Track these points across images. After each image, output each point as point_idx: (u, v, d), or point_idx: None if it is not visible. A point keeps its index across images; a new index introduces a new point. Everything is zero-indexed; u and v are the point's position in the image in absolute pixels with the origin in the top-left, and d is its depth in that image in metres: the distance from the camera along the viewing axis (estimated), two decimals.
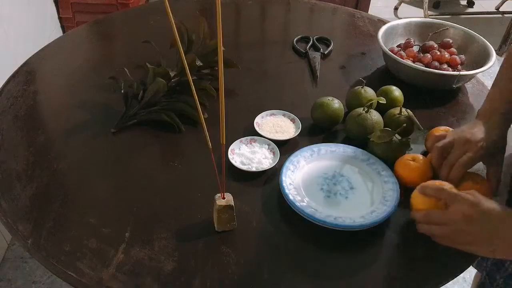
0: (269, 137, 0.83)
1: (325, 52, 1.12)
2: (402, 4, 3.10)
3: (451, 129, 0.81)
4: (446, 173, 0.70)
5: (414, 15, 2.96)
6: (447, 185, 0.66)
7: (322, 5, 1.36)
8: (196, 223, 0.70)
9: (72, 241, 0.66)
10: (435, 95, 0.97)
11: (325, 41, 1.18)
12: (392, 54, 0.99)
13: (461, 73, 0.94)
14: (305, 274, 0.64)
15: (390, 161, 0.78)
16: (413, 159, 0.76)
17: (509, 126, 0.73)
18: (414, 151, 0.82)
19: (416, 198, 0.68)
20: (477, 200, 0.59)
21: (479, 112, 0.75)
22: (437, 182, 0.67)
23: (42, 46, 1.10)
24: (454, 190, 0.63)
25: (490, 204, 0.58)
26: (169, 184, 0.77)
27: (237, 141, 0.82)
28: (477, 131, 0.71)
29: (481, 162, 0.73)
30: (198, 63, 0.89)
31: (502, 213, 0.58)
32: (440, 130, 0.81)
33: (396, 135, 0.79)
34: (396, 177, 0.75)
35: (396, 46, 1.07)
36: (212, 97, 0.90)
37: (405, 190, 0.74)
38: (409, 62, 0.98)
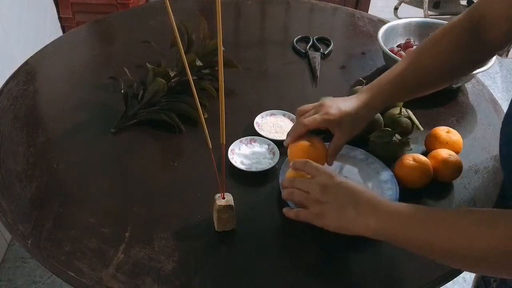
0: (269, 137, 0.84)
1: (325, 52, 1.12)
2: (402, 4, 3.10)
3: (451, 129, 0.81)
4: (293, 128, 0.74)
5: (414, 15, 2.96)
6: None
7: (322, 5, 1.36)
8: (196, 223, 0.70)
9: (72, 241, 0.66)
10: (435, 95, 0.97)
11: (325, 41, 1.18)
12: (392, 54, 0.99)
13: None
14: (305, 274, 0.64)
15: (390, 161, 0.78)
16: (413, 159, 0.76)
17: (379, 106, 0.74)
18: (414, 151, 0.82)
19: (289, 174, 0.70)
20: (334, 174, 0.63)
21: (367, 85, 0.76)
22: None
23: (42, 46, 1.10)
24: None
25: (344, 179, 0.63)
26: (169, 184, 0.77)
27: (237, 141, 0.82)
28: (341, 101, 0.73)
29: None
30: (198, 63, 0.89)
31: (355, 187, 0.61)
32: (440, 130, 0.81)
33: (396, 135, 0.79)
34: (396, 178, 0.75)
35: (396, 46, 1.07)
36: (212, 97, 0.90)
37: (406, 191, 0.74)
38: None
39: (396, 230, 0.57)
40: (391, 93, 0.73)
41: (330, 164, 0.73)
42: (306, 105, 0.75)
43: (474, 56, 0.71)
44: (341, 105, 0.72)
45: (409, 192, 0.74)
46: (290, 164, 0.69)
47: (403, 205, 0.58)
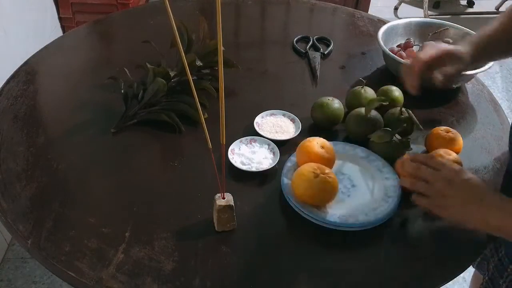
0: (269, 137, 0.83)
1: (325, 52, 1.12)
2: (402, 4, 3.09)
3: (451, 129, 0.81)
4: (407, 72, 0.82)
5: (414, 15, 2.96)
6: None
7: (322, 5, 1.36)
8: (196, 223, 0.70)
9: (72, 241, 0.66)
10: (435, 95, 0.97)
11: (325, 41, 1.18)
12: (392, 54, 0.99)
13: (461, 73, 0.94)
14: (306, 274, 0.64)
15: (390, 161, 0.78)
16: None
17: (477, 58, 0.81)
18: (414, 151, 0.82)
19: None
20: (460, 169, 0.65)
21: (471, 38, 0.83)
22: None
23: (42, 46, 1.10)
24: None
25: (471, 175, 0.64)
26: (169, 184, 0.77)
27: (237, 141, 0.82)
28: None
29: None
30: (198, 63, 0.89)
31: (481, 184, 0.63)
32: (440, 130, 0.81)
33: (396, 135, 0.79)
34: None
35: (396, 46, 1.07)
36: (212, 97, 0.90)
37: (408, 189, 0.73)
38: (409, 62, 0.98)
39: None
40: (488, 49, 0.80)
41: (438, 80, 0.81)
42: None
43: None
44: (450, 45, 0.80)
45: (410, 190, 0.74)
46: (410, 157, 0.71)
47: None
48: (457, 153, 0.79)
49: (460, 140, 0.81)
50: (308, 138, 0.76)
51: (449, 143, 0.80)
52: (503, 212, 0.60)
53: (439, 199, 0.64)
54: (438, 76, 0.80)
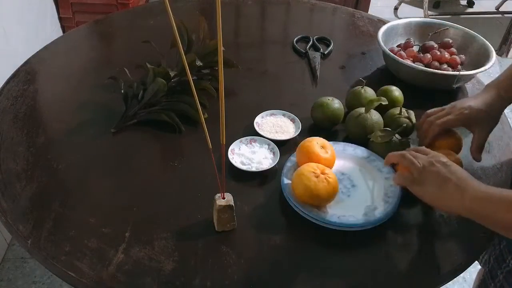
0: (269, 137, 0.83)
1: (325, 52, 1.12)
2: (402, 4, 3.10)
3: (452, 152, 0.78)
4: (425, 128, 0.79)
5: (414, 15, 2.96)
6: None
7: (322, 5, 1.36)
8: (196, 223, 0.70)
9: (72, 241, 0.66)
10: (435, 95, 0.97)
11: (325, 41, 1.18)
12: (392, 54, 0.99)
13: (461, 73, 0.94)
14: (305, 274, 0.64)
15: None
16: None
17: (506, 104, 0.77)
18: None
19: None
20: (446, 159, 0.66)
21: (488, 83, 0.80)
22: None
23: (42, 46, 1.10)
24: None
25: (455, 165, 0.65)
26: (169, 184, 0.77)
27: (237, 141, 0.82)
28: (471, 99, 0.78)
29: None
30: (198, 63, 0.89)
31: (461, 170, 0.64)
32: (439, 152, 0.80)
33: (396, 135, 0.79)
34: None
35: (396, 46, 1.07)
36: (212, 97, 0.90)
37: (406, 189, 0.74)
38: (409, 62, 0.98)
39: (486, 210, 0.59)
40: None
41: (478, 160, 0.78)
42: (434, 108, 0.80)
43: None
44: (472, 103, 0.76)
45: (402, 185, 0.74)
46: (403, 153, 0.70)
47: (500, 189, 0.60)
48: (457, 153, 0.79)
49: (461, 141, 0.80)
50: (308, 138, 0.76)
51: (449, 144, 0.79)
52: (475, 192, 0.60)
53: (417, 174, 0.64)
54: (477, 157, 0.78)
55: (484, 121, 0.76)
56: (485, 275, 0.79)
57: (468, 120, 0.75)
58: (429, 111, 0.80)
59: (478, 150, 0.77)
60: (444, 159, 0.65)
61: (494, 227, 0.59)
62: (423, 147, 0.70)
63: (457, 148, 0.79)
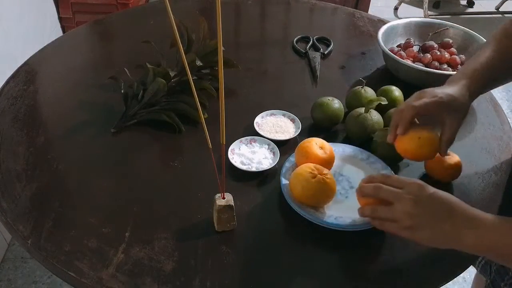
0: (269, 137, 0.83)
1: (325, 52, 1.12)
2: (402, 4, 3.10)
3: (452, 153, 0.77)
4: (397, 118, 0.69)
5: (414, 15, 2.96)
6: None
7: (322, 5, 1.36)
8: (196, 223, 0.70)
9: (72, 241, 0.66)
10: None
11: (325, 41, 1.18)
12: (392, 54, 0.99)
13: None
14: (305, 274, 0.64)
15: (392, 160, 0.78)
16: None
17: (475, 94, 0.71)
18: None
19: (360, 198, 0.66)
20: (423, 183, 0.59)
21: (452, 76, 0.74)
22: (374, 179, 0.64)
23: (42, 46, 1.10)
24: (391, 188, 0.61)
25: (434, 189, 0.59)
26: (169, 184, 0.77)
27: (237, 141, 0.82)
28: (441, 88, 0.69)
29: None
30: (198, 63, 0.89)
31: (448, 198, 0.58)
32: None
33: None
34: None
35: (396, 46, 1.07)
36: (212, 97, 0.90)
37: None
38: (409, 62, 0.98)
39: (493, 244, 0.55)
40: (486, 80, 0.71)
41: (443, 155, 0.70)
42: (404, 102, 0.71)
43: None
44: (445, 90, 0.68)
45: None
46: (364, 178, 0.65)
47: (496, 219, 0.56)
48: (456, 176, 0.78)
49: (460, 164, 0.77)
50: (307, 139, 0.76)
51: (450, 168, 0.76)
52: (476, 230, 0.56)
53: (406, 220, 0.58)
54: (444, 153, 0.70)
55: (457, 110, 0.68)
56: (487, 287, 0.78)
57: (442, 105, 0.66)
58: (397, 107, 0.71)
59: (448, 142, 0.68)
60: (424, 190, 0.59)
61: (504, 262, 0.56)
62: (393, 176, 0.63)
63: (434, 146, 0.71)
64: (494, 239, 0.55)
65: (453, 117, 0.68)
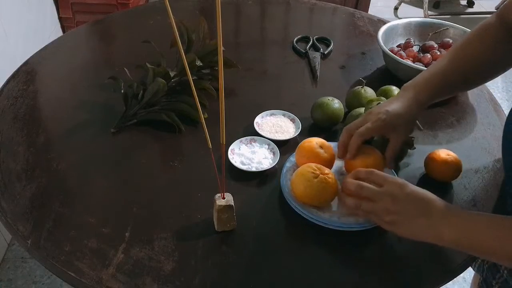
0: (269, 137, 0.84)
1: (325, 52, 1.12)
2: (402, 4, 3.10)
3: (451, 152, 0.78)
4: (344, 139, 0.72)
5: (414, 15, 2.96)
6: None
7: (322, 5, 1.36)
8: (196, 223, 0.70)
9: (72, 241, 0.66)
10: None
11: (325, 41, 1.18)
12: (392, 54, 0.99)
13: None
14: (305, 274, 0.64)
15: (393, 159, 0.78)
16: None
17: (426, 103, 0.73)
18: (413, 152, 0.82)
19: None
20: (403, 182, 0.62)
21: (405, 84, 0.76)
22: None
23: (42, 46, 1.10)
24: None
25: (414, 187, 0.62)
26: (169, 184, 0.77)
27: (237, 141, 0.82)
28: (388, 104, 0.72)
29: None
30: (198, 63, 0.89)
31: (426, 196, 0.61)
32: (441, 154, 0.78)
33: None
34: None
35: (396, 46, 1.07)
36: (212, 97, 0.90)
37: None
38: (409, 62, 0.98)
39: (471, 240, 0.57)
40: (437, 88, 0.73)
41: (391, 168, 0.74)
42: (353, 122, 0.74)
43: (510, 52, 0.72)
44: (389, 108, 0.71)
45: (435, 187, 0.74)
46: (350, 174, 0.68)
47: (473, 215, 0.59)
48: (456, 176, 0.78)
49: (460, 164, 0.78)
50: (307, 139, 0.76)
51: (450, 168, 0.77)
52: (453, 224, 0.58)
53: (386, 217, 0.62)
54: (390, 165, 0.73)
55: (401, 126, 0.71)
56: (480, 285, 0.79)
57: (386, 126, 0.70)
58: (347, 126, 0.73)
59: (391, 157, 0.72)
60: (402, 189, 0.61)
61: (483, 256, 0.59)
62: (377, 172, 0.65)
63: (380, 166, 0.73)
64: (472, 236, 0.57)
65: (396, 134, 0.71)
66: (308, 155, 0.73)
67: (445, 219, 0.59)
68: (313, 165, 0.70)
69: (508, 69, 0.75)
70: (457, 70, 0.73)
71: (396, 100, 0.73)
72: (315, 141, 0.75)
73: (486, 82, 0.79)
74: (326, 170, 0.70)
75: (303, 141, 0.76)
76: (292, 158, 0.78)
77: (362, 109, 0.83)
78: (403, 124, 0.71)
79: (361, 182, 0.65)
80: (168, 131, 0.86)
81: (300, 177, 0.69)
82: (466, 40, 0.74)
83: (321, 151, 0.74)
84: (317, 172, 0.69)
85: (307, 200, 0.69)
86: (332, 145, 0.77)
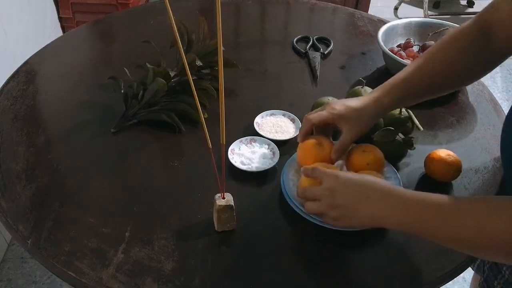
0: (269, 137, 0.84)
1: (325, 52, 1.12)
2: (402, 4, 3.10)
3: (451, 152, 0.78)
4: (301, 128, 0.74)
5: (414, 15, 2.96)
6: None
7: (322, 5, 1.36)
8: (196, 223, 0.70)
9: (72, 241, 0.66)
10: None
11: (325, 41, 1.18)
12: (392, 54, 0.99)
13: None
14: (306, 274, 0.64)
15: (393, 160, 0.78)
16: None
17: (390, 107, 0.74)
18: (413, 152, 0.82)
19: (302, 181, 0.69)
20: (338, 174, 0.62)
21: (379, 86, 0.76)
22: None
23: (42, 46, 1.10)
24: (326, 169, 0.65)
25: (350, 175, 0.62)
26: (169, 184, 0.77)
27: (237, 141, 0.82)
28: (353, 100, 0.73)
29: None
30: (198, 63, 0.89)
31: (362, 180, 0.61)
32: (441, 153, 0.78)
33: (400, 134, 0.79)
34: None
35: (396, 46, 1.07)
36: (212, 97, 0.90)
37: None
38: (409, 62, 0.98)
39: (412, 219, 0.56)
40: (401, 93, 0.73)
41: (334, 161, 0.73)
42: (314, 111, 0.75)
43: (483, 60, 0.71)
44: (348, 102, 0.73)
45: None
46: (301, 170, 0.68)
47: (415, 193, 0.57)
48: (456, 176, 0.78)
49: (460, 164, 0.77)
50: (310, 136, 0.76)
51: (450, 168, 0.77)
52: (397, 206, 0.57)
53: (331, 213, 0.61)
54: (332, 156, 0.73)
55: (353, 121, 0.71)
56: (481, 285, 0.79)
57: (338, 117, 0.71)
58: (307, 114, 0.75)
59: (338, 149, 0.72)
60: (338, 180, 0.61)
61: (427, 237, 0.57)
62: (317, 169, 0.65)
63: (379, 165, 0.74)
64: (415, 216, 0.56)
65: (348, 128, 0.71)
66: (306, 153, 0.74)
67: (383, 200, 0.58)
68: (319, 165, 0.69)
69: (482, 76, 0.75)
70: (423, 75, 0.72)
71: (358, 98, 0.74)
72: (318, 139, 0.75)
73: (454, 90, 0.78)
74: (333, 168, 0.70)
75: (306, 140, 0.76)
76: (293, 158, 0.78)
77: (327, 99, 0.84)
78: (357, 119, 0.71)
79: (304, 188, 0.65)
80: (168, 131, 0.86)
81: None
82: (439, 45, 0.73)
83: (317, 146, 0.74)
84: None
85: None
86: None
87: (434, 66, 0.72)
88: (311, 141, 0.74)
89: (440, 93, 0.77)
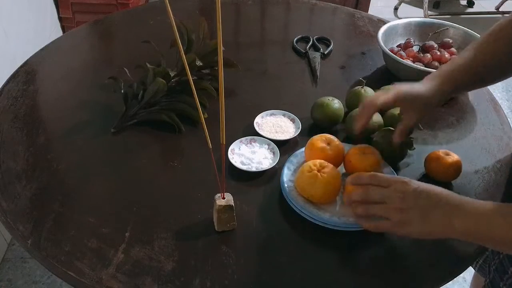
0: (269, 137, 0.84)
1: (325, 52, 1.12)
2: (402, 4, 3.10)
3: (452, 153, 0.78)
4: (360, 111, 0.73)
5: (414, 15, 2.96)
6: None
7: (322, 5, 1.36)
8: (196, 223, 0.70)
9: (72, 241, 0.66)
10: None
11: (325, 41, 1.18)
12: (392, 54, 0.99)
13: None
14: (306, 274, 0.64)
15: (393, 160, 0.78)
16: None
17: (449, 93, 0.74)
18: (413, 152, 0.82)
19: (350, 189, 0.67)
20: (407, 180, 0.62)
21: (432, 73, 0.76)
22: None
23: (42, 46, 1.10)
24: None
25: (419, 183, 0.62)
26: (169, 184, 0.77)
27: (237, 141, 0.82)
28: (416, 84, 0.73)
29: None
30: (198, 63, 0.89)
31: (432, 189, 0.60)
32: (440, 153, 0.79)
33: None
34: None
35: (396, 46, 1.07)
36: (212, 97, 0.90)
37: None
38: (409, 62, 0.98)
39: (482, 229, 0.57)
40: (461, 81, 0.73)
41: (396, 143, 0.74)
42: (373, 95, 0.75)
43: None
44: (415, 88, 0.72)
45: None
46: (351, 178, 0.67)
47: (484, 203, 0.58)
48: (456, 176, 0.78)
49: (460, 164, 0.78)
50: (319, 134, 0.77)
51: (450, 168, 0.77)
52: (464, 213, 0.57)
53: (398, 216, 0.60)
54: (396, 138, 0.74)
55: (419, 107, 0.72)
56: (487, 287, 0.78)
57: (406, 99, 0.71)
58: (366, 99, 0.74)
59: (402, 133, 0.73)
60: (409, 185, 0.61)
61: (494, 245, 0.58)
62: (379, 175, 0.64)
63: (377, 167, 0.74)
64: (483, 224, 0.57)
65: (413, 112, 0.72)
66: (315, 151, 0.74)
67: (457, 207, 0.58)
68: (317, 161, 0.71)
69: None
70: (479, 66, 0.73)
71: (418, 84, 0.73)
72: (323, 138, 0.75)
73: (505, 79, 0.78)
74: (326, 167, 0.70)
75: (312, 137, 0.77)
76: (293, 158, 0.78)
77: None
78: (422, 106, 0.72)
79: (367, 186, 0.64)
80: (168, 131, 0.86)
81: (299, 174, 0.71)
82: (487, 37, 0.74)
83: (327, 147, 0.74)
84: (314, 168, 0.69)
85: (309, 198, 0.70)
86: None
87: (490, 55, 0.72)
88: (318, 140, 0.75)
89: (495, 81, 0.78)
